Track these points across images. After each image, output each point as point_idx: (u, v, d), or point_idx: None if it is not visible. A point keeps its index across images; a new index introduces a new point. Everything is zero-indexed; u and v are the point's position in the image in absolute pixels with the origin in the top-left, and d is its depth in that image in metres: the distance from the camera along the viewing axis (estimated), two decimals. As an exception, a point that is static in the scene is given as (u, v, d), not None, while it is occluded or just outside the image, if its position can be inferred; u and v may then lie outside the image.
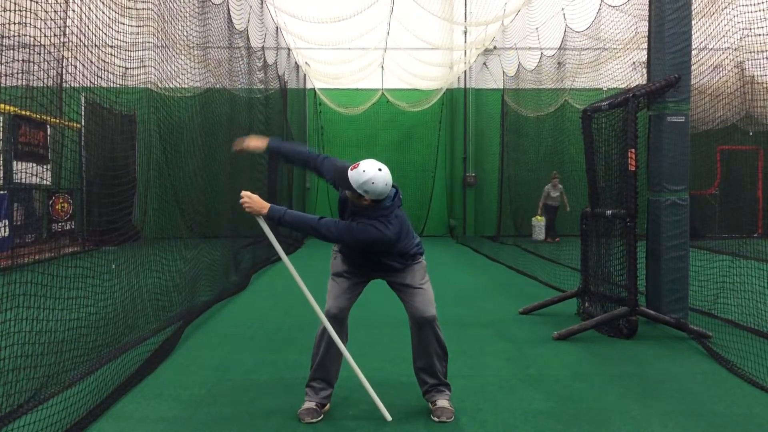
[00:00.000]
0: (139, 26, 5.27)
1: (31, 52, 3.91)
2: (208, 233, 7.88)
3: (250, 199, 3.52)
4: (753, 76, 7.79)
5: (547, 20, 11.53)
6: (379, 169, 3.33)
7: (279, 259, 3.78)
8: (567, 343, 5.37)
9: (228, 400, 3.92)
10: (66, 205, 11.91)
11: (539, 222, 15.18)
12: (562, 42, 11.86)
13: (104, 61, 4.70)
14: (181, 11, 6.39)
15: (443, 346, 3.66)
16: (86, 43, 4.33)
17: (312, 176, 17.75)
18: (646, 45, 6.19)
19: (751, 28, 5.35)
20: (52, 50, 4.03)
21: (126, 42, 5.08)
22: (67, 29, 4.20)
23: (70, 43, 4.28)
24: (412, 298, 3.62)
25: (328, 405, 3.70)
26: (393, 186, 3.50)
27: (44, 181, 10.91)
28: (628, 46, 8.85)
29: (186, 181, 7.10)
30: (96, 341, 4.50)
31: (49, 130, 11.01)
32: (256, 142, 3.85)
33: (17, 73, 3.82)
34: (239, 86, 9.81)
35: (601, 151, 6.24)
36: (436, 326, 3.61)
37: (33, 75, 3.93)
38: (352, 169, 3.35)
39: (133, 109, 5.90)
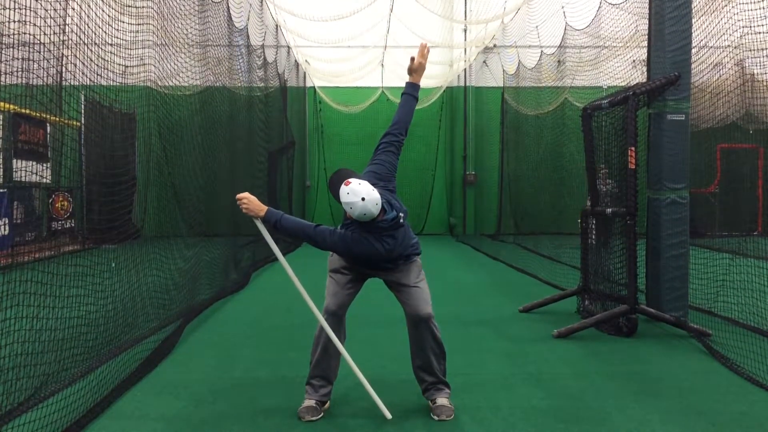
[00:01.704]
0: (138, 24, 5.26)
1: (31, 50, 3.91)
2: (208, 231, 7.88)
3: (248, 200, 3.50)
4: (753, 74, 7.78)
5: (547, 18, 11.51)
6: (363, 199, 3.22)
7: (279, 257, 3.76)
8: (567, 342, 5.37)
9: (228, 398, 3.92)
10: (66, 203, 11.91)
11: None
12: (562, 40, 11.84)
13: (104, 59, 4.70)
14: (180, 9, 6.38)
15: (440, 345, 3.65)
16: (86, 41, 4.32)
17: (312, 175, 17.76)
18: (646, 43, 6.19)
19: (751, 26, 5.34)
20: (51, 48, 4.02)
21: (126, 40, 5.07)
22: (67, 27, 4.20)
23: (70, 41, 4.27)
24: (408, 297, 3.61)
25: (328, 403, 3.70)
26: (394, 209, 3.43)
27: (44, 180, 10.91)
28: (628, 44, 8.83)
29: (186, 180, 7.09)
30: (96, 339, 4.50)
31: (48, 128, 11.01)
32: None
33: (17, 71, 3.81)
34: (239, 84, 9.80)
35: (601, 150, 6.24)
36: (432, 324, 3.59)
37: (32, 73, 3.93)
38: (345, 184, 3.28)
39: (133, 108, 5.90)
